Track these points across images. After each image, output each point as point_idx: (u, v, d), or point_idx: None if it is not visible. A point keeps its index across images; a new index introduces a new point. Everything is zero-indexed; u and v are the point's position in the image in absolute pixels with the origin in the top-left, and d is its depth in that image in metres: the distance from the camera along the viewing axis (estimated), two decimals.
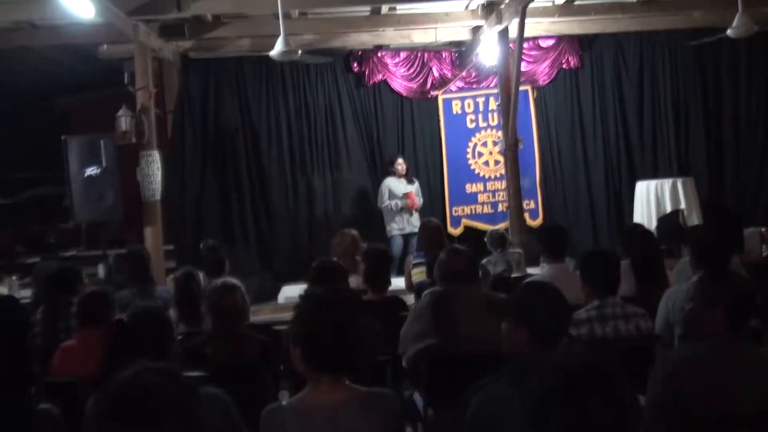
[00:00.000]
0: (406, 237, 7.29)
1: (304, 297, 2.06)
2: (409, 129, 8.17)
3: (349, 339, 1.94)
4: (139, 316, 2.56)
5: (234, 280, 3.26)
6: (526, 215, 7.57)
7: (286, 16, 5.75)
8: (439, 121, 8.19)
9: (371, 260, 4.17)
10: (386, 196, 7.37)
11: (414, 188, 7.40)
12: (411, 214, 7.32)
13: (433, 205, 8.07)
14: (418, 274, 4.78)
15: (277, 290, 6.78)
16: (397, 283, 5.04)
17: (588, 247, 6.11)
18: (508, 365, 2.09)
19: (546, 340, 2.10)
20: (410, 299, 4.44)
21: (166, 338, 2.50)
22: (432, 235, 5.05)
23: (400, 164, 7.41)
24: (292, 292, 6.13)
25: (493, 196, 8.14)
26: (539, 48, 8.11)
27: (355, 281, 4.47)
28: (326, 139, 8.05)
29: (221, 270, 4.53)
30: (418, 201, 7.39)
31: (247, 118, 7.94)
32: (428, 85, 8.12)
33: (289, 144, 8.00)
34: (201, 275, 3.95)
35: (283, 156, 7.98)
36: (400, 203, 7.29)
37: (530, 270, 5.34)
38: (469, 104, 8.21)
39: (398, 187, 7.38)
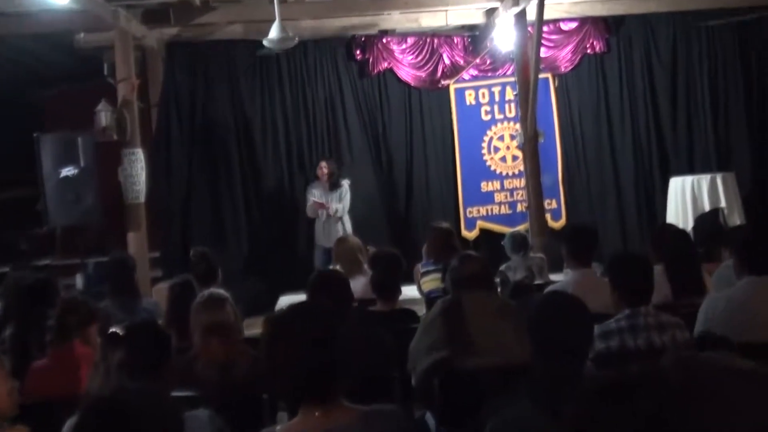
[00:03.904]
0: (329, 252, 7.32)
1: (268, 322, 1.97)
2: (417, 122, 8.17)
3: (331, 360, 1.87)
4: (138, 330, 2.57)
5: (221, 292, 3.26)
6: (548, 216, 7.54)
7: (282, 0, 5.75)
8: (450, 113, 8.18)
9: (379, 266, 4.16)
10: (308, 203, 7.39)
11: (336, 195, 7.29)
12: (330, 220, 7.25)
13: (444, 207, 8.07)
14: (428, 283, 4.78)
15: (274, 301, 6.77)
16: (407, 291, 5.03)
17: (617, 251, 6.08)
18: (528, 382, 2.08)
19: (568, 356, 2.10)
20: (422, 310, 4.43)
21: (166, 356, 2.52)
22: (442, 240, 5.03)
23: (322, 168, 7.41)
24: (290, 303, 6.11)
25: (512, 195, 8.13)
26: (560, 31, 8.09)
27: (361, 285, 4.48)
28: (326, 133, 8.05)
29: (212, 279, 4.53)
30: (340, 206, 7.25)
31: (240, 112, 7.95)
32: (438, 74, 8.12)
33: (285, 140, 8.01)
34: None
35: (280, 153, 7.99)
36: (311, 212, 7.34)
37: (553, 276, 5.32)
38: (483, 94, 8.20)
39: (316, 194, 7.37)
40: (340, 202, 7.33)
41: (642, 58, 8.22)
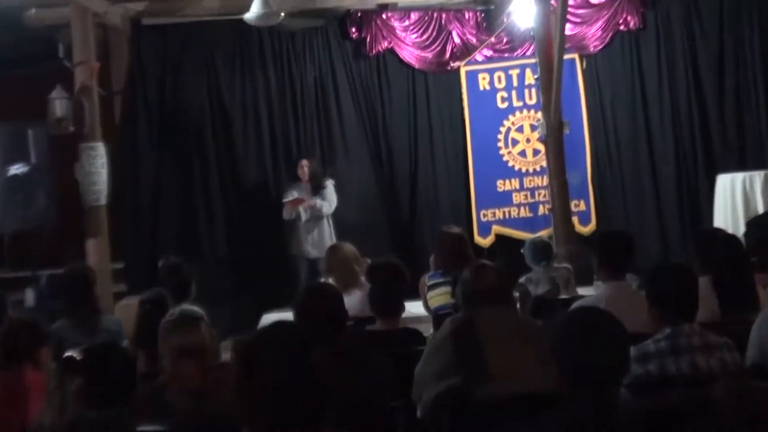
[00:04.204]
0: (314, 263, 7.32)
1: (236, 348, 1.98)
2: (423, 111, 8.17)
3: (311, 390, 1.86)
4: (98, 353, 2.57)
5: (196, 309, 3.25)
6: (575, 219, 7.55)
7: None
8: (461, 100, 8.19)
9: (379, 279, 4.15)
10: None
11: (318, 200, 7.35)
12: (318, 225, 7.33)
13: (454, 209, 8.07)
14: (436, 298, 4.77)
15: (257, 319, 6.77)
16: (411, 308, 5.03)
17: (656, 260, 6.07)
18: (553, 413, 2.07)
19: (600, 382, 2.10)
20: (429, 329, 4.41)
21: (130, 384, 2.52)
22: (452, 247, 5.01)
23: (302, 167, 7.46)
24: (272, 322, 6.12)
25: (533, 196, 8.13)
26: (589, 5, 8.09)
27: (357, 301, 4.47)
28: (317, 124, 8.05)
29: (186, 295, 4.54)
30: (325, 203, 7.36)
31: (217, 100, 7.95)
32: (447, 55, 8.11)
33: (270, 132, 8.02)
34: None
35: (263, 147, 8.00)
36: (287, 213, 7.37)
37: (581, 290, 5.31)
38: (499, 78, 8.20)
39: (299, 194, 7.42)
40: (326, 200, 7.39)
41: (683, 34, 8.21)
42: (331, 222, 7.49)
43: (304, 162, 7.52)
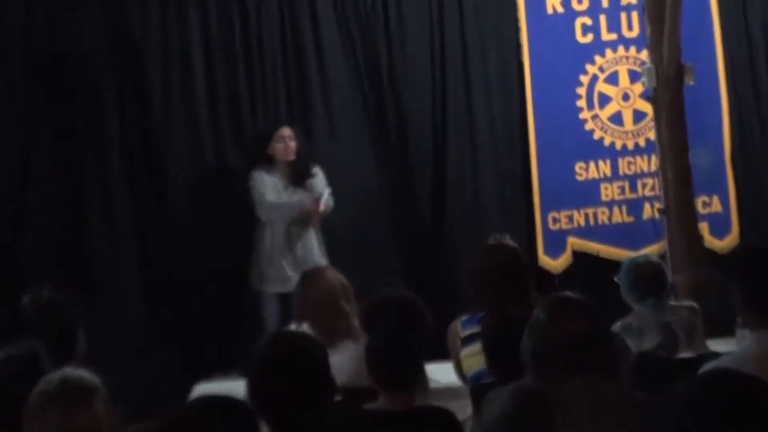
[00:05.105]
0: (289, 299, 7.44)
1: None
2: (454, 49, 8.23)
3: None
4: None
5: (86, 375, 3.25)
6: (704, 227, 7.56)
7: None
8: (517, 30, 8.23)
9: (382, 326, 4.20)
10: (264, 195, 7.48)
11: (307, 196, 7.52)
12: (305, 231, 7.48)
13: (504, 210, 8.16)
14: (475, 358, 4.74)
15: (186, 392, 6.79)
16: (436, 372, 5.03)
17: None
18: None
19: None
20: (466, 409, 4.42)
21: None
22: (502, 270, 4.99)
23: (284, 138, 7.53)
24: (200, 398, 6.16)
25: (633, 188, 8.17)
26: None
27: (348, 361, 4.50)
28: (283, 76, 8.12)
29: (69, 352, 4.54)
30: (327, 196, 7.53)
31: (123, 38, 8.01)
32: None
33: (208, 88, 8.07)
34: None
35: (197, 114, 8.05)
36: (278, 217, 7.49)
37: (714, 344, 5.33)
38: None
39: (275, 186, 7.53)
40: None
41: None
42: (318, 230, 7.57)
43: (287, 132, 7.55)
